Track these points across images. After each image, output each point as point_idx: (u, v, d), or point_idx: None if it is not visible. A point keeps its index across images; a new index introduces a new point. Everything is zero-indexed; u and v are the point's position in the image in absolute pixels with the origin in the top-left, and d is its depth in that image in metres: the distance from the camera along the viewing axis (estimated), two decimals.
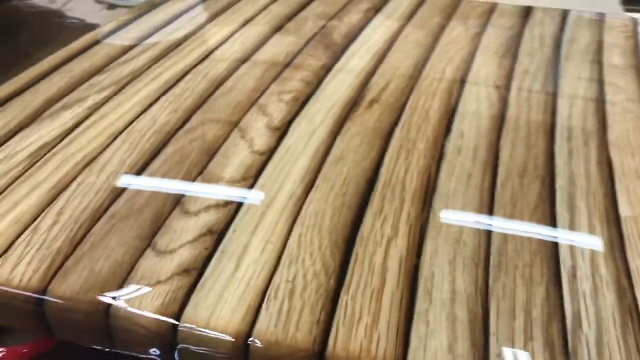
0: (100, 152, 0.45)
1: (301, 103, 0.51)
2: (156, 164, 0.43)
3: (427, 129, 0.47)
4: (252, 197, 0.40)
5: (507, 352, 0.30)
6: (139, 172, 0.42)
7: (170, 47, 0.60)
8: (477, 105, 0.51)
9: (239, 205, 0.39)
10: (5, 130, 0.47)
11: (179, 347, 0.32)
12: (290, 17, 0.68)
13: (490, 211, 0.39)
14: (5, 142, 0.45)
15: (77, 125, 0.48)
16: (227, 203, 0.39)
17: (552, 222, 0.38)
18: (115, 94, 0.52)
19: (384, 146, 0.45)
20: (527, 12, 0.70)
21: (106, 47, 0.61)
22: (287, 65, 0.57)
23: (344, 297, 0.33)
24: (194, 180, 0.42)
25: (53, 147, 0.45)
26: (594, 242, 0.36)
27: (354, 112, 0.50)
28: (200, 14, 0.69)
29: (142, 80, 0.54)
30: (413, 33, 0.64)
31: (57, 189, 0.40)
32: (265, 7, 0.71)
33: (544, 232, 0.37)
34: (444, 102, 0.51)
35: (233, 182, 0.41)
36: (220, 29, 0.65)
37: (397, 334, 0.30)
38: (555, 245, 0.36)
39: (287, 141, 0.46)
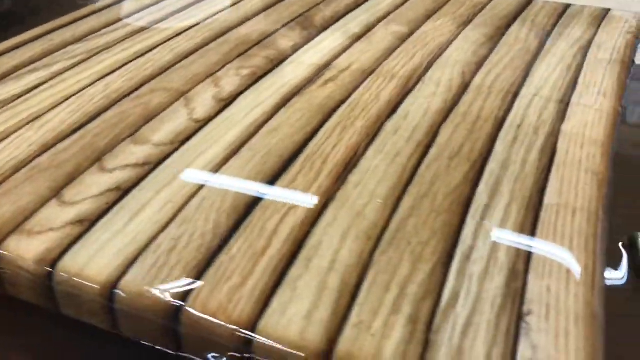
0: (47, 112, 0.46)
1: (257, 78, 0.51)
2: (93, 125, 0.44)
3: (374, 108, 0.46)
4: (172, 160, 0.40)
5: (365, 322, 0.28)
6: (74, 131, 0.43)
7: (152, 23, 0.62)
8: (435, 89, 0.49)
9: (156, 166, 0.39)
10: None
11: (55, 291, 0.32)
12: (281, 0, 0.68)
13: (404, 188, 0.37)
14: None
15: (36, 87, 0.50)
16: (144, 164, 0.40)
17: (467, 204, 0.36)
18: (83, 61, 0.54)
19: (322, 122, 0.44)
20: (526, 4, 0.67)
21: (92, 21, 0.63)
22: (257, 43, 0.57)
23: (222, 258, 0.32)
24: (122, 141, 0.42)
25: (7, 104, 0.47)
26: (503, 226, 0.34)
27: (307, 88, 0.49)
28: None
29: (113, 51, 0.56)
30: (396, 22, 0.63)
31: None
32: None
33: (450, 213, 0.35)
34: (401, 85, 0.49)
35: (158, 145, 0.42)
36: (208, 8, 0.66)
37: (260, 297, 0.30)
38: (460, 226, 0.34)
39: (228, 112, 0.46)
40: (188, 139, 0.42)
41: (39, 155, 0.41)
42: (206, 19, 0.63)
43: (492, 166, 0.39)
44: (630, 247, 0.47)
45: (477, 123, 0.44)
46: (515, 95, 0.48)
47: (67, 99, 0.48)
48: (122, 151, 0.41)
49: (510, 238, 0.33)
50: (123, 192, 0.37)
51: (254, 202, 0.36)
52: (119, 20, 0.63)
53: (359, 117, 0.45)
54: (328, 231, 0.34)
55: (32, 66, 0.53)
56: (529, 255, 0.32)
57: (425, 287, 0.30)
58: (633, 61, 0.54)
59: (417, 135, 0.42)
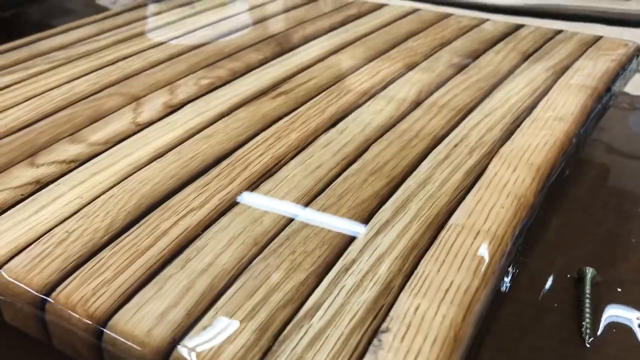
0: (6, 109, 0.48)
1: (212, 88, 0.51)
2: (42, 123, 0.46)
3: (314, 121, 0.46)
4: (98, 159, 0.41)
5: (216, 325, 0.28)
6: (23, 128, 0.45)
7: (136, 35, 0.64)
8: (384, 105, 0.48)
9: (82, 164, 0.41)
10: None
11: None
12: (267, 18, 0.70)
13: (311, 200, 0.36)
14: None
15: (8, 86, 0.52)
16: (72, 161, 0.41)
17: (367, 219, 0.35)
18: (60, 66, 0.56)
19: (259, 132, 0.44)
20: (514, 28, 0.66)
21: (82, 31, 0.66)
22: (227, 56, 0.58)
23: (104, 253, 0.32)
24: (61, 139, 0.44)
25: None
26: (395, 243, 0.33)
27: (257, 100, 0.49)
28: (183, 12, 0.72)
29: (90, 58, 0.58)
30: (373, 41, 0.63)
31: None
32: (253, 7, 0.73)
33: (347, 227, 0.34)
34: (350, 101, 0.49)
35: (92, 145, 0.43)
36: (196, 20, 0.68)
37: (123, 293, 0.30)
38: (350, 241, 0.33)
39: (171, 118, 0.47)
40: (123, 140, 0.43)
41: None
42: (187, 34, 0.65)
43: (409, 184, 0.38)
44: (578, 281, 0.45)
45: (412, 141, 0.43)
46: (466, 115, 0.46)
47: (29, 99, 0.50)
48: (57, 149, 0.42)
49: (397, 255, 0.32)
50: (41, 186, 0.38)
51: (158, 202, 0.36)
52: (107, 31, 0.65)
53: (295, 130, 0.45)
54: (218, 235, 0.34)
55: (13, 68, 0.56)
56: (410, 273, 0.31)
57: (290, 296, 0.29)
58: (609, 89, 0.52)
59: (346, 150, 0.42)
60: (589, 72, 0.54)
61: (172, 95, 0.50)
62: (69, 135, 0.44)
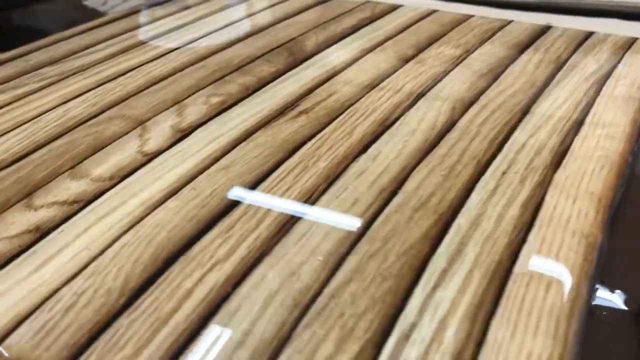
0: None
1: (225, 107, 0.47)
2: (37, 154, 0.41)
3: (342, 146, 0.41)
4: (104, 198, 0.36)
5: None
6: (16, 161, 0.40)
7: (133, 46, 0.59)
8: (416, 126, 0.44)
9: (86, 205, 0.36)
10: None
11: None
12: (275, 23, 0.65)
13: (353, 244, 0.32)
14: None
15: None
16: (74, 202, 0.36)
17: (421, 267, 0.30)
18: (52, 84, 0.51)
19: (282, 160, 0.40)
20: (542, 31, 0.61)
21: (75, 41, 0.60)
22: (237, 69, 0.53)
23: (121, 321, 0.28)
24: (60, 174, 0.39)
25: None
26: (458, 300, 0.28)
27: (276, 121, 0.45)
28: (183, 17, 0.67)
29: (85, 74, 0.53)
30: (392, 48, 0.58)
31: None
32: (252, 14, 0.68)
33: (399, 279, 0.30)
34: (379, 120, 0.44)
35: (96, 181, 0.38)
36: (197, 27, 0.63)
37: None
38: (407, 297, 0.29)
39: (182, 145, 0.42)
40: (130, 174, 0.39)
41: None
42: (188, 44, 0.59)
43: (460, 221, 0.34)
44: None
45: (455, 168, 0.38)
46: (508, 135, 0.42)
47: (21, 125, 0.45)
48: (56, 186, 0.38)
49: (462, 315, 0.28)
50: (41, 234, 0.33)
51: (178, 252, 0.32)
52: (101, 41, 0.60)
53: (323, 156, 0.40)
54: (251, 294, 0.29)
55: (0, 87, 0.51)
56: (481, 340, 0.26)
57: None
58: None
59: (383, 180, 0.37)
60: (632, 80, 0.50)
61: (180, 117, 0.45)
62: (68, 169, 0.39)
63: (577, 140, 0.42)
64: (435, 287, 0.29)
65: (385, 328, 0.27)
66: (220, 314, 0.28)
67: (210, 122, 0.45)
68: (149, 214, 0.35)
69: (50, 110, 0.47)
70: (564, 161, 0.39)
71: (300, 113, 0.46)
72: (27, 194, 0.37)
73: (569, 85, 0.50)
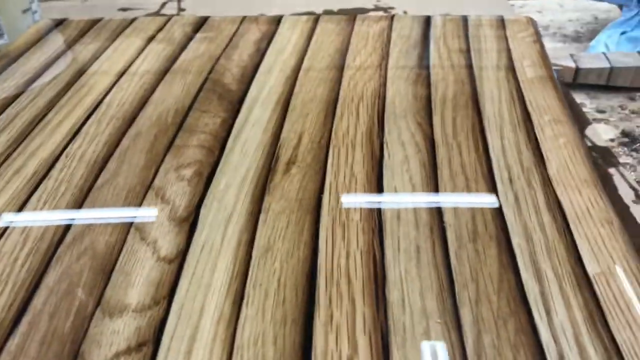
0: None
1: (206, 179, 0.43)
2: (38, 301, 0.34)
3: (358, 189, 0.41)
4: (170, 332, 0.32)
5: None
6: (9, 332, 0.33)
7: (28, 128, 0.50)
8: (403, 154, 0.45)
9: (155, 348, 0.31)
10: None
11: None
12: (173, 59, 0.59)
13: (452, 298, 0.33)
14: None
15: None
16: (140, 346, 0.31)
17: (522, 297, 0.33)
18: None
19: (315, 224, 0.39)
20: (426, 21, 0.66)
21: None
22: (179, 127, 0.49)
23: None
24: (91, 318, 0.33)
25: None
26: (573, 318, 0.32)
27: (271, 181, 0.43)
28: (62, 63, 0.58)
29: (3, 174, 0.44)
30: (315, 66, 0.58)
31: None
32: (141, 51, 0.61)
33: (519, 316, 0.32)
34: (369, 153, 0.45)
35: (142, 311, 0.33)
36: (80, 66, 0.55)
37: None
38: (534, 331, 0.31)
39: (199, 236, 0.38)
40: (173, 291, 0.34)
41: None
42: (95, 107, 0.52)
43: (517, 241, 0.37)
44: None
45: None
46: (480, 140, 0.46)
47: None
48: (98, 335, 0.32)
49: (587, 330, 0.31)
50: None
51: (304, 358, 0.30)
52: None
53: (350, 210, 0.40)
54: None
55: None
56: (616, 347, 0.30)
57: None
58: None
59: (423, 217, 0.39)
60: (531, 59, 0.58)
61: (166, 203, 0.41)
62: (96, 308, 0.33)
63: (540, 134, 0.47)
64: (547, 312, 0.32)
65: None
66: None
67: (205, 201, 0.41)
68: (234, 331, 0.32)
69: None
70: (545, 157, 0.44)
71: (288, 165, 0.44)
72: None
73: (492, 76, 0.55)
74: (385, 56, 0.59)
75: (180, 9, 0.95)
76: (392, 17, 0.67)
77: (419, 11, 0.92)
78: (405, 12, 0.90)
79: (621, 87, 1.18)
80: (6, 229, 0.39)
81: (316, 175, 0.43)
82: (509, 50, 0.59)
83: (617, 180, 0.60)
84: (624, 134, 1.05)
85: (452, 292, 0.34)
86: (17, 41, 0.64)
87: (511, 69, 0.56)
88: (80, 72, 0.57)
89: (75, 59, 0.60)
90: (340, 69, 0.57)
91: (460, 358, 0.30)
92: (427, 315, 0.32)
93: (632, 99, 1.12)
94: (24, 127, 0.49)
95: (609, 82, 1.16)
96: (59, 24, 0.68)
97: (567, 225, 0.38)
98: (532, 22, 0.66)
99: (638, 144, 0.97)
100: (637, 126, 1.03)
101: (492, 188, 0.41)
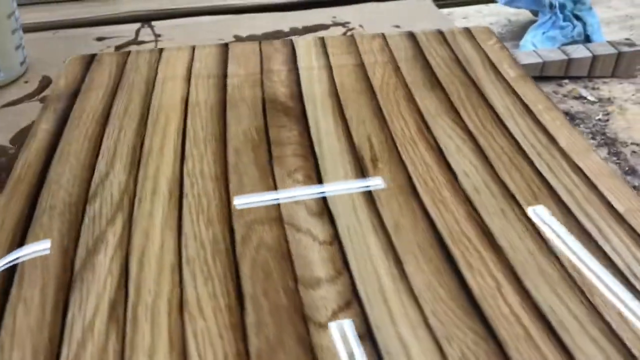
0: None
1: (317, 180, 0.53)
2: (256, 291, 0.43)
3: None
4: (362, 293, 0.43)
5: None
6: None
7: None
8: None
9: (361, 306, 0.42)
10: None
11: None
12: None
13: None
14: None
15: None
16: (347, 304, 0.42)
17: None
18: None
19: (420, 203, 0.51)
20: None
21: None
22: (267, 141, 0.58)
23: None
24: (297, 292, 0.43)
25: None
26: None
27: (369, 176, 0.54)
28: None
29: None
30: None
31: None
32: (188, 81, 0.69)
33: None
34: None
35: (333, 280, 0.43)
36: None
37: None
38: None
39: (340, 222, 0.49)
40: None
41: None
42: None
43: (565, 197, 0.52)
44: None
45: None
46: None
47: None
48: None
49: None
50: None
51: None
52: None
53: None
54: None
55: None
56: None
57: None
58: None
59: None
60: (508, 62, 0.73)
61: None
62: None
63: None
64: None
65: None
66: None
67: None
68: None
69: None
70: (554, 135, 0.60)
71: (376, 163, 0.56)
72: None
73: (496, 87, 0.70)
74: (397, 69, 0.72)
75: (157, 36, 1.00)
76: (384, 35, 0.81)
77: (369, 24, 1.06)
78: (361, 26, 1.03)
79: (551, 77, 1.44)
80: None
81: (399, 166, 0.55)
82: (487, 57, 0.75)
83: None
84: (564, 113, 1.29)
85: None
86: (60, 81, 0.69)
87: (496, 71, 0.72)
88: (147, 104, 0.64)
89: (131, 92, 0.66)
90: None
91: None
92: None
93: (561, 85, 1.40)
94: (131, 155, 0.56)
95: (542, 73, 1.43)
96: (91, 60, 0.73)
97: (590, 180, 0.54)
98: (491, 31, 0.82)
99: (576, 120, 1.23)
100: (571, 107, 1.29)
101: (530, 163, 0.56)
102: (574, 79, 1.51)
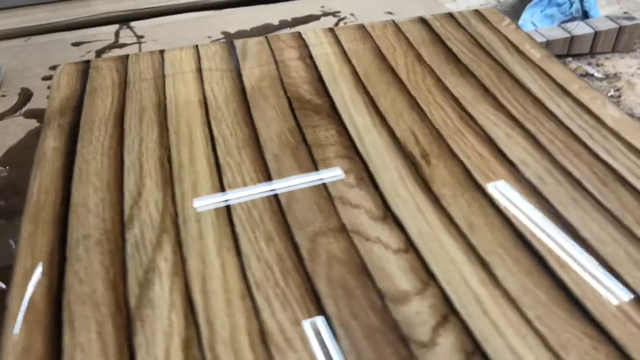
0: None
1: (370, 182, 0.49)
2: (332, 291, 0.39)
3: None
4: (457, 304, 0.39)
5: None
6: None
7: None
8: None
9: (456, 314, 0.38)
10: None
11: None
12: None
13: None
14: None
15: None
16: (444, 317, 0.38)
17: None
18: None
19: (487, 198, 0.48)
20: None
21: None
22: (305, 144, 0.54)
23: None
24: (385, 310, 0.39)
25: None
26: None
27: (424, 173, 0.50)
28: None
29: None
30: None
31: None
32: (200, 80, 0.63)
33: None
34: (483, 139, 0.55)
35: (420, 293, 0.40)
36: None
37: None
38: None
39: (408, 225, 0.45)
40: None
41: None
42: None
43: (632, 180, 0.49)
44: None
45: None
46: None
47: None
48: None
49: None
50: None
51: None
52: None
53: None
54: None
55: None
56: None
57: None
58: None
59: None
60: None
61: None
62: None
63: None
64: None
65: None
66: None
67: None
68: None
69: None
70: (598, 115, 0.58)
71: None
72: None
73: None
74: (418, 56, 0.69)
75: (139, 37, 0.94)
76: (394, 22, 0.77)
77: (360, 13, 1.02)
78: (352, 15, 0.99)
79: (557, 55, 1.43)
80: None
81: (453, 160, 0.52)
82: (507, 38, 0.72)
83: None
84: None
85: None
86: (55, 93, 0.62)
87: (521, 53, 0.69)
88: (162, 110, 0.58)
89: (140, 96, 0.60)
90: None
91: None
92: None
93: (564, 64, 1.40)
94: (160, 169, 0.50)
95: None
96: (85, 67, 0.66)
97: None
98: (499, 12, 0.79)
99: None
100: None
101: (584, 146, 0.53)
102: (576, 56, 1.52)
